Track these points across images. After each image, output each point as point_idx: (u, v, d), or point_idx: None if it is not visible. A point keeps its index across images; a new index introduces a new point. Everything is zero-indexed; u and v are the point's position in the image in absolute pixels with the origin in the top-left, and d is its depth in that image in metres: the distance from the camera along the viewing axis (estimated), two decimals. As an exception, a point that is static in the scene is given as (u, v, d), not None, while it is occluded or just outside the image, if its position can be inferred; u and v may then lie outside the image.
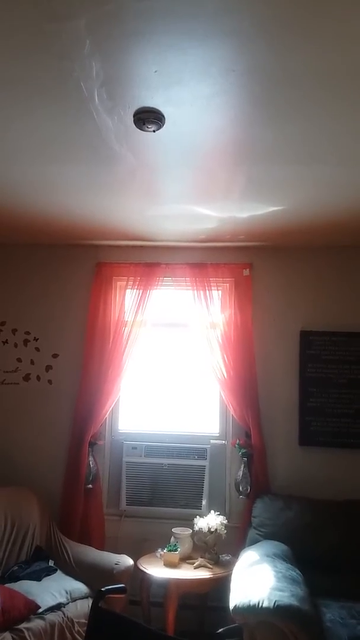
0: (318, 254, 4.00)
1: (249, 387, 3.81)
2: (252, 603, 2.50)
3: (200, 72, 1.87)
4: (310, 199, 3.05)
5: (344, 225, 3.46)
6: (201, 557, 3.44)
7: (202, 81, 1.93)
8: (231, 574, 3.00)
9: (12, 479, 3.79)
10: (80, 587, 3.10)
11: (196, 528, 3.51)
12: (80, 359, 3.98)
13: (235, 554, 3.37)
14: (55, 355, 4.10)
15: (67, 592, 3.00)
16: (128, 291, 4.05)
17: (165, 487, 3.87)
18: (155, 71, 1.88)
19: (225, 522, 3.53)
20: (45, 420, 4.02)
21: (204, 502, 3.81)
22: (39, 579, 3.09)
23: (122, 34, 1.69)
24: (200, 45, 1.74)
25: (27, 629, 2.63)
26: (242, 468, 3.77)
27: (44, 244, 4.15)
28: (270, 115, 2.14)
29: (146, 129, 2.23)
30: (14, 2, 1.57)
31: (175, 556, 3.39)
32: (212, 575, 3.30)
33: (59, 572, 3.23)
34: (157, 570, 3.33)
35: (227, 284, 4.03)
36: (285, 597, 2.50)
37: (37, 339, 4.13)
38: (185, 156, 2.55)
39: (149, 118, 2.16)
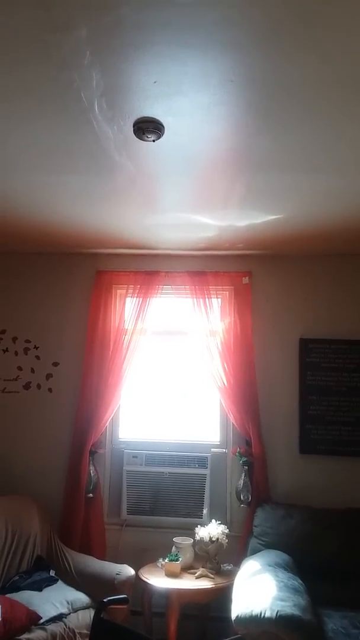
0: (317, 262, 4.01)
1: (249, 395, 3.81)
2: (254, 613, 2.48)
3: (199, 82, 1.89)
4: (308, 208, 3.06)
5: (342, 233, 3.47)
6: (202, 567, 3.42)
7: (201, 91, 1.95)
8: (233, 583, 2.99)
9: (12, 487, 3.78)
10: (81, 598, 3.09)
11: (197, 537, 3.49)
12: (81, 367, 3.98)
13: (237, 564, 3.35)
14: (55, 364, 4.10)
15: (68, 603, 2.99)
16: (128, 299, 4.06)
17: (166, 496, 3.86)
18: (155, 82, 1.89)
19: (226, 531, 3.51)
20: (45, 428, 4.02)
21: (205, 511, 3.80)
22: (40, 589, 3.08)
23: (122, 45, 1.71)
24: (199, 56, 1.75)
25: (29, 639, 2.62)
26: (242, 477, 3.76)
27: (44, 252, 4.17)
28: (269, 125, 2.16)
29: (146, 138, 2.24)
30: (14, 13, 1.58)
31: (176, 566, 3.37)
32: (213, 585, 3.28)
33: (60, 582, 3.22)
34: (158, 580, 3.31)
35: (227, 292, 4.03)
36: (288, 607, 2.49)
37: (38, 347, 4.13)
38: (184, 165, 2.57)
39: (148, 128, 2.17)
